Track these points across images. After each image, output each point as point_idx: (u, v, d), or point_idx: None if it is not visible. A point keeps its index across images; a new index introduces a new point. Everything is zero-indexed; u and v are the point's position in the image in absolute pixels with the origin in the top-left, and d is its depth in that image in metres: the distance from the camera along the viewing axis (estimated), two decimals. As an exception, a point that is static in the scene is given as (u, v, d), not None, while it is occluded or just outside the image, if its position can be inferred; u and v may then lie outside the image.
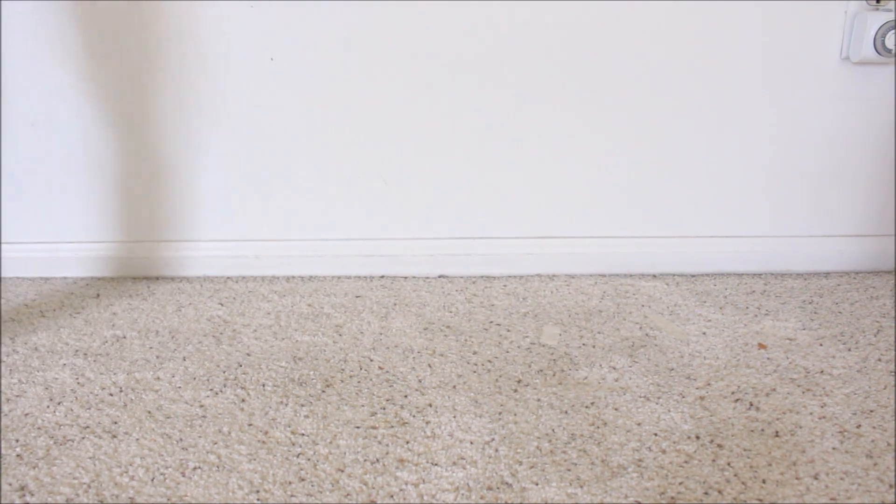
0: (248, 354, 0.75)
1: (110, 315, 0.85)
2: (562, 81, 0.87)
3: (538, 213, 0.93)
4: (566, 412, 0.63)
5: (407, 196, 0.92)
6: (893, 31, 0.81)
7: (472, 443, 0.59)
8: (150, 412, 0.64)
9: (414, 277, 0.95)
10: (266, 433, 0.60)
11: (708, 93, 0.87)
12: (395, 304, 0.86)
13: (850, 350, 0.73)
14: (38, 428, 0.62)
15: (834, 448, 0.57)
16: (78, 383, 0.69)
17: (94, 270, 0.97)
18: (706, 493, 0.52)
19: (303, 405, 0.65)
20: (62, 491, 0.54)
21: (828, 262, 0.93)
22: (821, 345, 0.74)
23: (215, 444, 0.59)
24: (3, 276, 0.98)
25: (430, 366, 0.71)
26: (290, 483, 0.54)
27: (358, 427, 0.61)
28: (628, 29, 0.84)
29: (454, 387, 0.67)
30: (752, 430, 0.60)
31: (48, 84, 0.89)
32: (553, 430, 0.60)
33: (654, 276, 0.94)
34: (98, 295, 0.92)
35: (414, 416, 0.63)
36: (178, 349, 0.76)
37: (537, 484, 0.54)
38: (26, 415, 0.64)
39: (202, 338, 0.79)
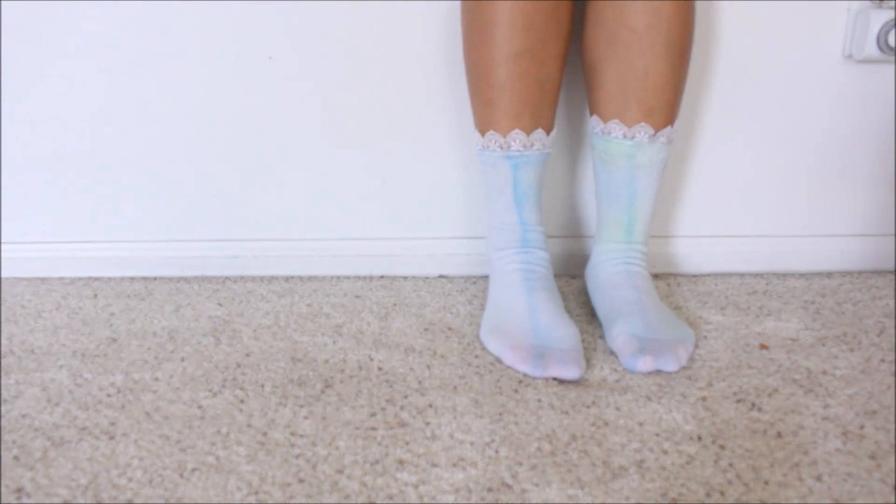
0: (247, 355, 0.74)
1: (108, 315, 0.85)
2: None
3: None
4: (567, 412, 0.62)
5: (407, 195, 0.92)
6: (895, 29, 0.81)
7: (472, 444, 0.58)
8: (148, 413, 0.64)
9: (414, 277, 0.94)
10: (265, 434, 0.60)
11: (707, 91, 0.86)
12: (395, 305, 0.86)
13: (853, 350, 0.73)
14: (36, 429, 0.62)
15: (837, 449, 0.57)
16: (76, 384, 0.69)
17: (92, 270, 0.97)
18: (708, 495, 0.52)
19: (302, 406, 0.64)
20: (60, 493, 0.53)
21: (830, 261, 0.93)
22: (823, 345, 0.74)
23: (214, 445, 0.59)
24: (1, 276, 0.98)
25: (429, 367, 0.71)
26: (289, 484, 0.54)
27: (357, 428, 0.61)
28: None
29: (455, 387, 0.67)
30: (754, 431, 0.60)
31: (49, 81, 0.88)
32: (554, 431, 0.60)
33: (656, 276, 0.93)
34: (95, 295, 0.91)
35: (414, 417, 0.62)
36: (176, 350, 0.76)
37: (538, 485, 0.53)
38: (23, 416, 0.64)
39: (200, 338, 0.78)
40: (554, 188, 0.91)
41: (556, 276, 0.93)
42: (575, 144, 0.89)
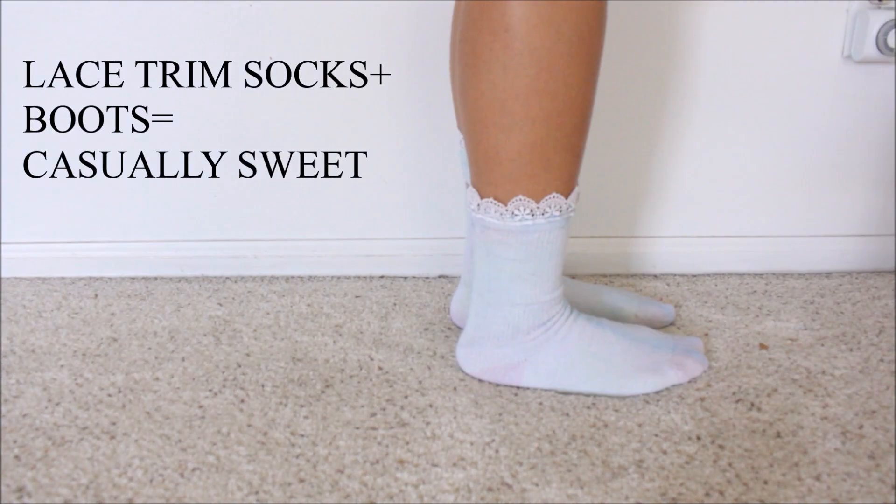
0: (248, 355, 0.74)
1: (108, 315, 0.85)
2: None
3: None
4: (567, 413, 0.62)
5: (407, 195, 0.92)
6: (895, 29, 0.81)
7: (472, 444, 0.58)
8: (148, 413, 0.64)
9: (414, 277, 0.95)
10: (265, 434, 0.60)
11: (707, 92, 0.86)
12: (395, 304, 0.86)
13: (852, 350, 0.73)
14: (36, 429, 0.62)
15: (836, 449, 0.57)
16: (76, 384, 0.69)
17: (92, 270, 0.97)
18: (707, 495, 0.52)
19: (302, 406, 0.65)
20: (60, 492, 0.54)
21: (829, 261, 0.93)
22: (822, 345, 0.74)
23: (214, 444, 0.59)
24: (1, 276, 0.98)
25: (429, 367, 0.71)
26: (289, 484, 0.54)
27: (358, 428, 0.61)
28: (623, 29, 0.84)
29: (455, 388, 0.67)
30: (753, 431, 0.60)
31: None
32: (553, 431, 0.60)
33: (655, 276, 0.93)
34: (96, 295, 0.91)
35: (414, 417, 0.62)
36: (176, 350, 0.76)
37: (537, 485, 0.53)
38: (24, 416, 0.64)
39: (201, 338, 0.78)
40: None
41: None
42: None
